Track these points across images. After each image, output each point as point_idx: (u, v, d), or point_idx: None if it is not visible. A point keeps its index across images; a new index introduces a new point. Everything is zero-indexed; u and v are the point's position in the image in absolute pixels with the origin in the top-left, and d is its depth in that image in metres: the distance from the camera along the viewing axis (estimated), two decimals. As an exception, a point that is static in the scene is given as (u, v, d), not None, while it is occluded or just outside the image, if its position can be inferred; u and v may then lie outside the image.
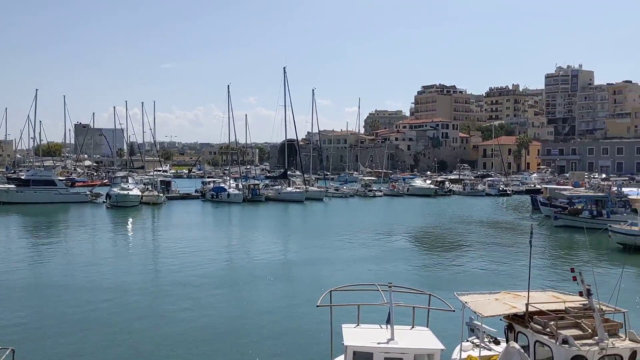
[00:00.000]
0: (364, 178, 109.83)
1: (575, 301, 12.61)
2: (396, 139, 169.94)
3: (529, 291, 12.45)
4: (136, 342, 19.42)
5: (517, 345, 11.21)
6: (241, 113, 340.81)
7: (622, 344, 10.76)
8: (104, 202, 76.92)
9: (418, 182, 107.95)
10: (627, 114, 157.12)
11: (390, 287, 12.42)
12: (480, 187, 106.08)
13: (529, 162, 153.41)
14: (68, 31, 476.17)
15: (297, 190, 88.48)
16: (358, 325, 12.35)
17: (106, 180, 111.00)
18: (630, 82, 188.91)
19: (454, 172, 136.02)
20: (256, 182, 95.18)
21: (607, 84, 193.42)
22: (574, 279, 12.02)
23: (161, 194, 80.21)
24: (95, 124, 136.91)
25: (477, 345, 13.94)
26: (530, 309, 12.00)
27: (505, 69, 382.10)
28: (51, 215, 63.96)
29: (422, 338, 11.60)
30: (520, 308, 12.22)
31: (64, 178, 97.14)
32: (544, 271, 32.11)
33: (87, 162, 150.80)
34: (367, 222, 58.98)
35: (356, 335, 11.53)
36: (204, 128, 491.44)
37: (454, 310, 13.33)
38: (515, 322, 12.19)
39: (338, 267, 33.53)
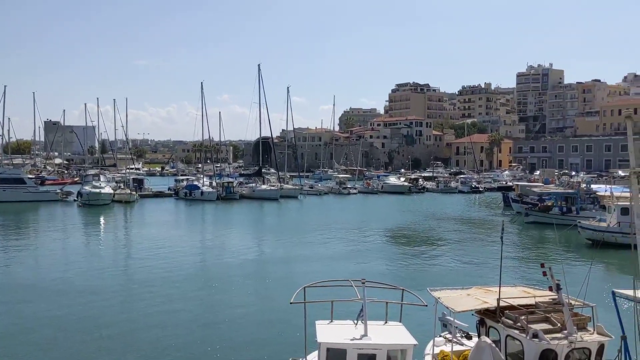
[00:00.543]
0: (339, 176, 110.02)
1: (545, 296, 12.80)
2: (371, 137, 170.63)
3: (500, 286, 12.59)
4: (108, 343, 19.14)
5: (488, 340, 11.34)
6: (215, 110, 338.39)
7: (590, 338, 10.97)
8: (75, 200, 75.70)
9: (392, 180, 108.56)
10: (596, 112, 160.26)
11: (363, 283, 12.45)
12: (453, 184, 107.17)
13: (500, 160, 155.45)
14: (38, 27, 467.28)
15: (272, 188, 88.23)
16: (332, 321, 12.35)
17: (77, 179, 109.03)
18: (599, 80, 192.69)
19: (428, 170, 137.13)
20: (230, 180, 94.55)
21: (577, 82, 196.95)
22: (544, 274, 12.19)
23: (134, 192, 79.15)
24: (65, 121, 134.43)
25: (450, 340, 14.07)
26: (502, 304, 12.15)
27: (478, 68, 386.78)
28: (20, 214, 62.66)
29: (395, 333, 11.65)
30: (492, 303, 12.37)
31: (33, 176, 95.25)
32: (515, 267, 32.61)
33: (58, 160, 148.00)
34: (341, 219, 59.11)
35: (329, 332, 11.53)
36: (177, 125, 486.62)
37: (426, 305, 13.43)
38: (486, 317, 12.34)
39: (312, 264, 33.56)
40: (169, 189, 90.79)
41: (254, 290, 27.52)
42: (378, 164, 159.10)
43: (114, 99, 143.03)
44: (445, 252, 39.87)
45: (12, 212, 63.53)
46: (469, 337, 15.00)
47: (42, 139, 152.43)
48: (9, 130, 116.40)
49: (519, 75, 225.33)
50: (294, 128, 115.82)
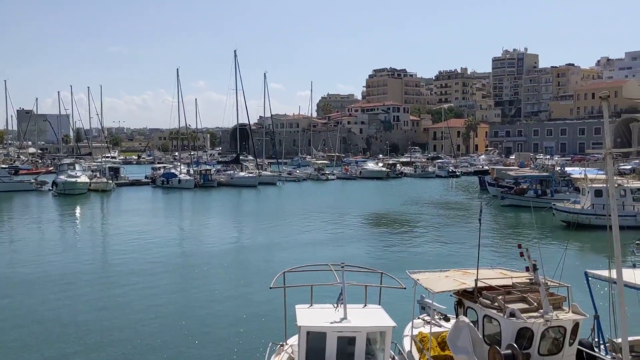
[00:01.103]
0: (317, 162, 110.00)
1: (521, 277, 13.01)
2: (348, 123, 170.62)
3: (477, 268, 12.75)
4: (86, 334, 18.93)
5: (466, 320, 11.50)
6: (191, 97, 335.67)
7: (565, 316, 11.20)
8: (50, 190, 74.61)
9: (370, 165, 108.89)
10: (570, 96, 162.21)
11: (342, 267, 12.51)
12: (430, 169, 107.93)
13: (477, 144, 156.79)
14: (9, 15, 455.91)
15: (250, 175, 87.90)
16: (311, 305, 12.41)
17: (52, 168, 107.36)
18: (572, 64, 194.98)
19: (405, 155, 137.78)
20: (208, 167, 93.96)
21: (551, 67, 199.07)
22: (521, 254, 12.38)
23: (110, 181, 78.28)
24: (38, 109, 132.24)
25: (428, 322, 14.25)
26: (479, 284, 12.32)
27: (454, 53, 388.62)
28: (-7, 205, 61.54)
29: (374, 316, 11.75)
30: (470, 284, 12.53)
31: (6, 166, 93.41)
32: (492, 249, 33.07)
33: (32, 149, 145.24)
34: (320, 205, 59.21)
35: (309, 316, 11.58)
36: (153, 113, 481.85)
37: (405, 288, 13.55)
38: (464, 298, 12.50)
39: (292, 250, 33.62)
40: (146, 177, 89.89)
41: (233, 276, 27.49)
42: (356, 150, 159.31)
43: (88, 87, 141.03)
44: (424, 235, 40.23)
45: (-15, 203, 62.33)
46: (447, 319, 15.22)
47: (15, 128, 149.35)
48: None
49: (495, 60, 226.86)
50: (271, 114, 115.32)
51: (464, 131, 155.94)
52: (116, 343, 18.04)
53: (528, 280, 12.56)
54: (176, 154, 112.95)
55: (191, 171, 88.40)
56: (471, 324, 11.34)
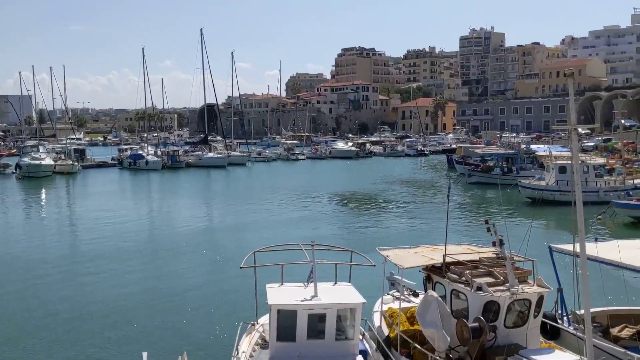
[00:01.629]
0: (287, 142, 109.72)
1: (488, 252, 13.26)
2: (318, 102, 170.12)
3: (446, 244, 12.95)
4: (54, 321, 18.61)
5: (435, 294, 11.70)
6: (157, 77, 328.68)
7: (530, 290, 11.47)
8: (13, 172, 72.92)
9: (340, 145, 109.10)
10: (535, 75, 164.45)
11: (313, 245, 12.57)
12: (399, 148, 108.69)
13: (445, 123, 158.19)
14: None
15: (219, 155, 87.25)
16: (282, 284, 12.46)
17: (15, 150, 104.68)
18: (538, 43, 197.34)
19: (375, 134, 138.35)
20: (175, 148, 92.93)
21: (517, 45, 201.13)
22: (488, 230, 12.60)
23: (75, 163, 76.82)
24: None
25: (398, 298, 14.45)
26: (447, 260, 12.52)
27: (422, 32, 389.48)
28: (-47, 189, 59.82)
29: (344, 293, 11.86)
30: (438, 260, 12.72)
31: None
32: (459, 225, 33.61)
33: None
34: (290, 185, 59.18)
35: (280, 294, 11.63)
36: (119, 93, 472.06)
37: (374, 265, 13.70)
38: (433, 274, 12.69)
39: (262, 230, 33.59)
40: (113, 158, 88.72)
41: (203, 257, 27.38)
42: (326, 130, 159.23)
43: (50, 67, 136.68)
44: (393, 213, 40.63)
45: (-55, 187, 60.55)
46: (416, 295, 15.46)
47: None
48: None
49: (462, 39, 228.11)
50: (239, 94, 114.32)
51: (432, 110, 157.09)
52: (85, 329, 17.82)
53: (494, 255, 12.81)
54: (143, 135, 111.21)
55: (159, 152, 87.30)
56: (439, 299, 11.54)
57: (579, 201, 9.77)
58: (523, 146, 63.09)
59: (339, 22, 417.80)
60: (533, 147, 63.91)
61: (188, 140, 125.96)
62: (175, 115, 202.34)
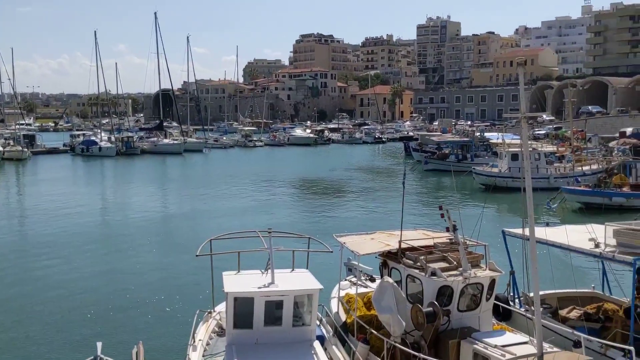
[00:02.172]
0: (244, 128, 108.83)
1: (442, 237, 13.49)
2: (276, 89, 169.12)
3: (401, 230, 13.11)
4: (4, 312, 18.02)
5: (390, 280, 11.85)
6: (111, 61, 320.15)
7: (483, 274, 11.74)
8: (-42, 159, 70.13)
9: (298, 132, 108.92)
10: (490, 64, 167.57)
11: (270, 232, 12.53)
12: (357, 135, 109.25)
13: (402, 111, 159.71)
14: None
15: (175, 142, 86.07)
16: (239, 272, 12.40)
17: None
18: (493, 33, 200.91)
19: (333, 121, 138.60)
20: (130, 134, 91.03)
21: (473, 35, 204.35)
22: (442, 216, 12.82)
23: (25, 149, 74.55)
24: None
25: (355, 284, 14.59)
26: (403, 245, 12.69)
27: (380, 19, 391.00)
28: None
29: (302, 280, 11.90)
30: (394, 245, 12.88)
31: None
32: (415, 211, 34.10)
33: None
34: (248, 172, 58.82)
35: (236, 282, 11.58)
36: (71, 78, 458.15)
37: (332, 251, 13.77)
38: (389, 259, 12.85)
39: (219, 218, 33.32)
40: (64, 144, 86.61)
41: (159, 246, 27.00)
42: (284, 116, 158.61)
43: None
44: (351, 200, 40.91)
45: None
46: (372, 280, 15.64)
47: None
48: None
49: (419, 27, 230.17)
50: (195, 80, 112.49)
51: (390, 98, 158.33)
52: (36, 320, 17.35)
53: (448, 240, 13.04)
54: (97, 120, 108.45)
55: (112, 138, 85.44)
56: (395, 284, 11.70)
57: (528, 187, 10.02)
58: (477, 134, 64.33)
59: (297, 8, 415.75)
60: (487, 134, 65.24)
61: (143, 126, 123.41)
62: (130, 101, 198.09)
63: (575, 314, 13.52)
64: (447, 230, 13.06)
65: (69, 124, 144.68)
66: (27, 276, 21.92)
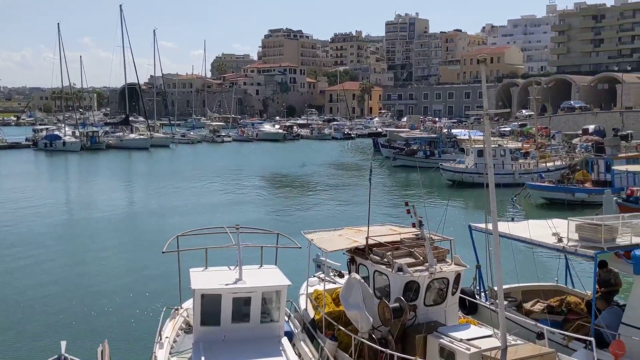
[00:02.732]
0: (212, 124, 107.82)
1: (409, 232, 13.59)
2: (244, 84, 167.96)
3: (368, 226, 13.16)
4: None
5: (357, 276, 11.91)
6: (75, 55, 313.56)
7: (448, 268, 11.88)
8: None
9: (267, 127, 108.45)
10: (457, 61, 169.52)
11: (237, 228, 12.45)
12: (326, 131, 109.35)
13: (371, 107, 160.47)
14: None
15: (141, 137, 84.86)
16: (206, 268, 12.29)
17: None
18: (460, 30, 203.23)
19: (302, 117, 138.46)
20: (95, 129, 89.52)
21: (441, 32, 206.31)
22: (408, 212, 12.91)
23: (-15, 144, 72.55)
24: None
25: (323, 280, 14.61)
26: (370, 242, 12.75)
27: (349, 15, 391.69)
28: None
29: (270, 276, 11.86)
30: (361, 242, 12.93)
31: None
32: (383, 207, 34.32)
33: None
34: (216, 168, 58.35)
35: (204, 278, 11.48)
36: (34, 71, 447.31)
37: (300, 247, 13.76)
38: (356, 255, 12.89)
39: (186, 215, 32.99)
40: (27, 139, 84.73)
41: (124, 243, 26.60)
42: (253, 112, 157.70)
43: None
44: (319, 196, 40.95)
45: None
46: (341, 276, 15.68)
47: None
48: None
49: (388, 24, 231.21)
50: (162, 74, 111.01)
51: (359, 94, 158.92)
52: (2, 315, 16.94)
53: (415, 236, 13.14)
54: (61, 115, 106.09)
55: (77, 133, 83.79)
56: (362, 280, 11.75)
57: (491, 182, 10.16)
58: (445, 131, 65.06)
59: (265, 2, 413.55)
60: (454, 131, 66.04)
61: (108, 120, 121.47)
62: (95, 95, 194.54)
63: (539, 306, 13.81)
64: (414, 225, 13.17)
65: (32, 118, 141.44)
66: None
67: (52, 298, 18.62)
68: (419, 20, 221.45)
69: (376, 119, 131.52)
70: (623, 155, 36.55)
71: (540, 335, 11.22)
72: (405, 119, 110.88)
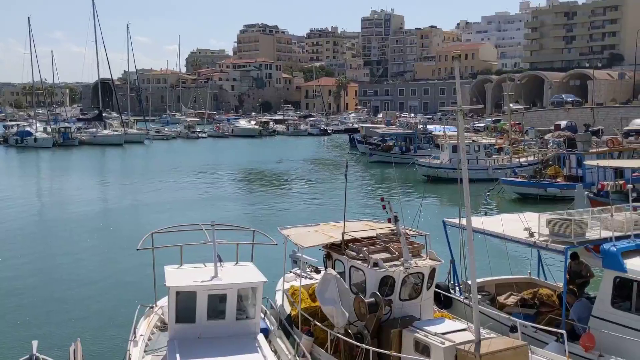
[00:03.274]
0: (187, 119, 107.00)
1: (385, 228, 13.67)
2: (220, 79, 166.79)
3: (344, 222, 13.20)
4: None
5: (333, 272, 11.94)
6: (47, 49, 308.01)
7: (423, 263, 11.99)
8: None
9: (243, 123, 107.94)
10: (432, 58, 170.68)
11: (213, 225, 12.39)
12: (303, 127, 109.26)
13: (347, 103, 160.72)
14: None
15: (115, 133, 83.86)
16: (181, 265, 12.21)
17: None
18: (435, 27, 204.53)
19: (278, 113, 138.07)
20: (67, 125, 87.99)
21: (416, 28, 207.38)
22: (384, 207, 13.00)
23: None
24: None
25: (299, 276, 14.63)
26: (346, 237, 12.79)
27: (325, 11, 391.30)
28: None
29: (245, 273, 11.83)
30: (337, 237, 12.97)
31: None
32: (359, 203, 34.44)
33: None
34: (191, 164, 57.89)
35: (179, 276, 11.40)
36: (3, 66, 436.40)
37: (276, 244, 13.74)
38: (332, 251, 12.94)
39: (161, 212, 32.68)
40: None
41: (98, 240, 26.24)
42: (228, 107, 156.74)
43: None
44: (296, 192, 40.92)
45: None
46: (318, 272, 15.71)
47: None
48: None
49: (364, 20, 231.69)
50: (136, 69, 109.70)
51: (335, 90, 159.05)
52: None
53: (391, 231, 13.22)
54: (32, 110, 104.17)
55: (49, 129, 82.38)
56: (338, 276, 11.79)
57: (465, 178, 10.28)
58: (420, 126, 65.49)
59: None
60: (429, 127, 66.52)
61: (81, 116, 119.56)
62: (67, 90, 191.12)
63: (512, 299, 14.02)
64: (390, 221, 13.25)
65: (2, 114, 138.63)
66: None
67: (23, 297, 18.31)
68: (394, 16, 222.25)
69: (352, 114, 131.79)
70: (594, 150, 37.19)
71: (513, 329, 11.40)
72: (381, 114, 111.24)
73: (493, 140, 51.89)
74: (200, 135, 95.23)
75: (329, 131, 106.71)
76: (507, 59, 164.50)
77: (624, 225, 12.48)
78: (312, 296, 13.82)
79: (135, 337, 11.69)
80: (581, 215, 12.98)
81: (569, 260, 12.94)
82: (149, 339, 11.99)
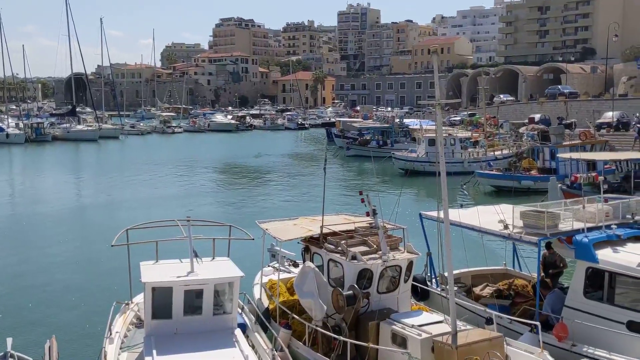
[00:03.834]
0: (162, 114, 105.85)
1: (363, 221, 13.72)
2: (195, 74, 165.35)
3: (323, 215, 13.20)
4: None
5: (312, 265, 11.96)
6: (18, 43, 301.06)
7: (401, 256, 12.07)
8: None
9: (219, 118, 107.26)
10: (409, 52, 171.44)
11: (188, 221, 12.29)
12: (280, 121, 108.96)
13: (324, 97, 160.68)
14: None
15: (89, 128, 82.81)
16: (157, 261, 12.10)
17: None
18: (411, 21, 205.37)
19: (255, 107, 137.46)
20: (40, 120, 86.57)
21: (392, 22, 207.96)
22: (362, 200, 13.03)
23: None
24: None
25: (277, 269, 14.61)
26: (325, 230, 12.80)
27: (301, 5, 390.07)
28: None
29: (222, 268, 11.77)
30: (316, 231, 12.98)
31: None
32: (337, 196, 34.52)
33: None
34: (166, 159, 57.37)
35: (154, 272, 11.30)
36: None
37: (253, 239, 13.68)
38: (311, 244, 12.94)
39: (137, 208, 32.36)
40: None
41: (72, 237, 25.89)
42: (204, 102, 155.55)
43: None
44: (274, 187, 40.83)
45: None
46: (296, 265, 15.70)
47: None
48: None
49: (340, 14, 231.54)
50: (110, 64, 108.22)
51: (312, 84, 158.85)
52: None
53: (369, 225, 13.28)
54: (4, 106, 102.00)
55: (21, 125, 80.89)
56: (316, 269, 11.81)
57: (442, 171, 10.36)
58: (397, 120, 65.77)
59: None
60: (406, 121, 66.82)
61: (54, 112, 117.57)
62: (40, 85, 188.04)
63: (487, 290, 14.19)
64: (368, 214, 13.29)
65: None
66: None
67: (-4, 295, 17.97)
68: (370, 10, 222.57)
69: (330, 109, 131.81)
70: (567, 143, 37.69)
71: (489, 321, 11.55)
72: (358, 108, 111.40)
73: (469, 134, 52.34)
74: (176, 130, 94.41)
75: (306, 125, 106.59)
76: (482, 53, 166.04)
77: (596, 216, 12.71)
78: (290, 290, 13.83)
79: (110, 334, 11.56)
80: (554, 207, 13.17)
81: (543, 251, 13.14)
82: (125, 336, 11.88)
